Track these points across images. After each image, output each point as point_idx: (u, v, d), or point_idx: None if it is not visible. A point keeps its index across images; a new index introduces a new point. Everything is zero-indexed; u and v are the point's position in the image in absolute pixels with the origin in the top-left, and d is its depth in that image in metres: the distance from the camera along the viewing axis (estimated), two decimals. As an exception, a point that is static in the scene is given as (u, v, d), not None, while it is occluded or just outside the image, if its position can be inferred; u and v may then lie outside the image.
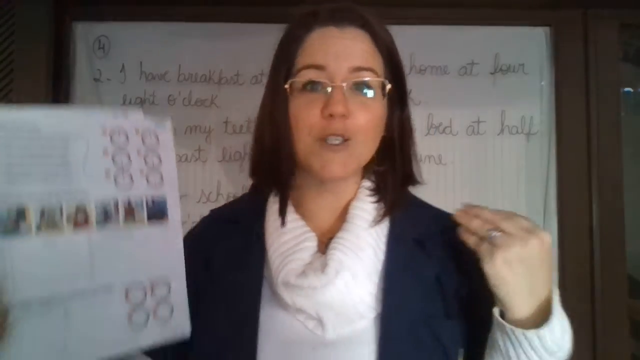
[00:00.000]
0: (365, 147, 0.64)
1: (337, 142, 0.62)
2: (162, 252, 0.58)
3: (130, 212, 0.55)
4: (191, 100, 1.53)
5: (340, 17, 0.63)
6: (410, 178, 0.71)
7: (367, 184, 0.69)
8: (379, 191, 0.68)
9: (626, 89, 1.63)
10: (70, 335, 0.50)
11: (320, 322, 0.61)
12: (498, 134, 1.52)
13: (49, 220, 0.49)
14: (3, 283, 0.45)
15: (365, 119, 0.62)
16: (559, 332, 0.57)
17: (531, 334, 0.55)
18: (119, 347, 0.54)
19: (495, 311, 0.59)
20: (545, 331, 0.55)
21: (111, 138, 0.55)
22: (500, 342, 0.58)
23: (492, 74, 1.52)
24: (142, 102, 1.52)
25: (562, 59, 1.51)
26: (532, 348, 0.56)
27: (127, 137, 0.56)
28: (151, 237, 0.57)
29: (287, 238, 0.65)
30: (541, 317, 0.56)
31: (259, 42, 1.50)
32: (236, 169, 1.51)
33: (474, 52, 1.51)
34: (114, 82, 1.52)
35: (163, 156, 0.59)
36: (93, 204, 0.52)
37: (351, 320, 0.61)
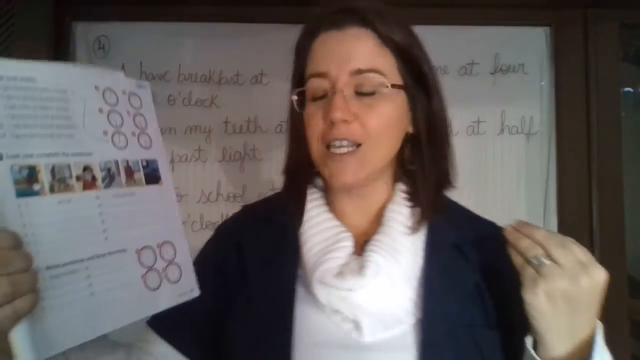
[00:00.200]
0: (379, 150, 0.62)
1: (344, 148, 0.60)
2: (163, 214, 0.58)
3: (130, 173, 0.55)
4: (191, 100, 1.52)
5: (340, 19, 0.62)
6: (446, 179, 0.67)
7: (402, 186, 0.67)
8: (414, 194, 0.66)
9: (626, 89, 1.63)
10: (96, 301, 0.49)
11: (356, 325, 0.59)
12: (498, 134, 1.52)
13: (60, 180, 0.48)
14: (27, 248, 0.44)
15: (373, 121, 0.60)
16: None
17: None
18: (141, 310, 0.54)
19: (528, 342, 0.55)
20: None
21: (103, 96, 0.54)
22: None
23: (492, 74, 1.52)
24: (142, 102, 1.52)
25: (562, 59, 1.51)
26: None
27: (117, 97, 0.56)
28: (151, 199, 0.57)
29: (323, 237, 0.64)
30: (578, 357, 0.52)
31: (259, 42, 1.50)
32: (236, 169, 1.50)
33: (474, 52, 1.51)
34: (114, 82, 1.52)
35: (148, 118, 0.59)
36: (98, 163, 0.52)
37: (389, 325, 0.59)
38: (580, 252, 0.52)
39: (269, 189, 1.48)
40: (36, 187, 0.46)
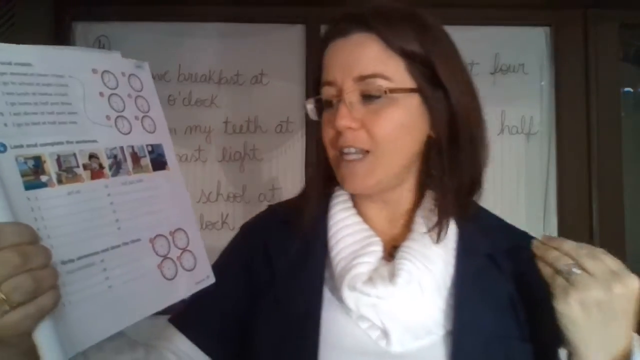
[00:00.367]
0: (389, 157, 0.60)
1: (352, 155, 0.60)
2: (172, 201, 0.56)
3: (136, 159, 0.52)
4: (191, 100, 1.53)
5: (344, 27, 0.61)
6: (474, 185, 0.64)
7: (432, 193, 0.65)
8: (440, 200, 0.63)
9: (626, 89, 1.63)
10: (114, 294, 0.47)
11: (385, 333, 0.57)
12: (498, 134, 1.52)
13: (67, 170, 0.46)
14: (44, 242, 0.42)
15: (379, 128, 0.59)
16: None
17: None
18: (161, 301, 0.52)
19: (563, 354, 0.53)
20: None
21: (102, 79, 0.52)
22: None
23: (492, 74, 1.53)
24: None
25: (562, 59, 1.51)
26: None
27: (116, 79, 0.53)
28: (160, 186, 0.54)
29: (352, 240, 0.62)
30: None
31: (259, 42, 1.51)
32: (236, 169, 1.50)
33: (474, 52, 1.51)
34: (114, 82, 1.52)
35: (149, 100, 0.56)
36: (104, 150, 0.49)
37: (419, 336, 0.58)
38: (611, 261, 0.51)
39: (269, 189, 1.48)
40: (44, 178, 0.44)
